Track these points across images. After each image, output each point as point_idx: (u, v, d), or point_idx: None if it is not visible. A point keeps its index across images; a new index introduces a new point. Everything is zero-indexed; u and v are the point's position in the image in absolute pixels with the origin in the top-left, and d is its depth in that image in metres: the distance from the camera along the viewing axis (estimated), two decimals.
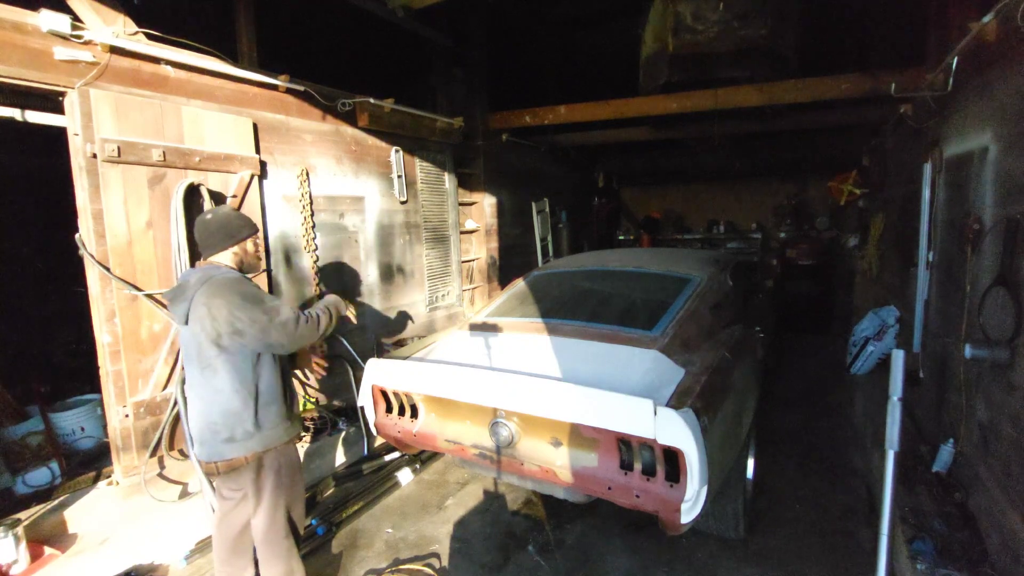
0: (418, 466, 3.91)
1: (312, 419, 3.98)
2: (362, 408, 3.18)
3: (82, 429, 3.77)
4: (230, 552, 2.35)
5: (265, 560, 2.30)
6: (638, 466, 2.27)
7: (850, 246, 7.06)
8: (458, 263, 6.02)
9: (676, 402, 2.21)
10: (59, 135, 2.97)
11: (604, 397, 2.20)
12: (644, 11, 5.13)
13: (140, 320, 3.12)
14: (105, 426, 3.37)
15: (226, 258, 2.28)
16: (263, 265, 2.42)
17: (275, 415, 2.24)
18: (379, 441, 4.04)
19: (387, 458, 3.91)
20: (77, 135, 2.90)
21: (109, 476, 3.22)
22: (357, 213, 4.67)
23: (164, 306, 3.22)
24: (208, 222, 2.26)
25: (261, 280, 3.75)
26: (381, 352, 4.76)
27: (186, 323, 2.13)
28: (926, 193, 3.51)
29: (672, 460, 2.17)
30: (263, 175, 3.81)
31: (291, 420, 2.34)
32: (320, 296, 4.24)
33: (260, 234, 2.40)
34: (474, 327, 3.33)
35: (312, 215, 4.19)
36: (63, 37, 2.81)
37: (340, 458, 3.93)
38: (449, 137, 5.61)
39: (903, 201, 4.56)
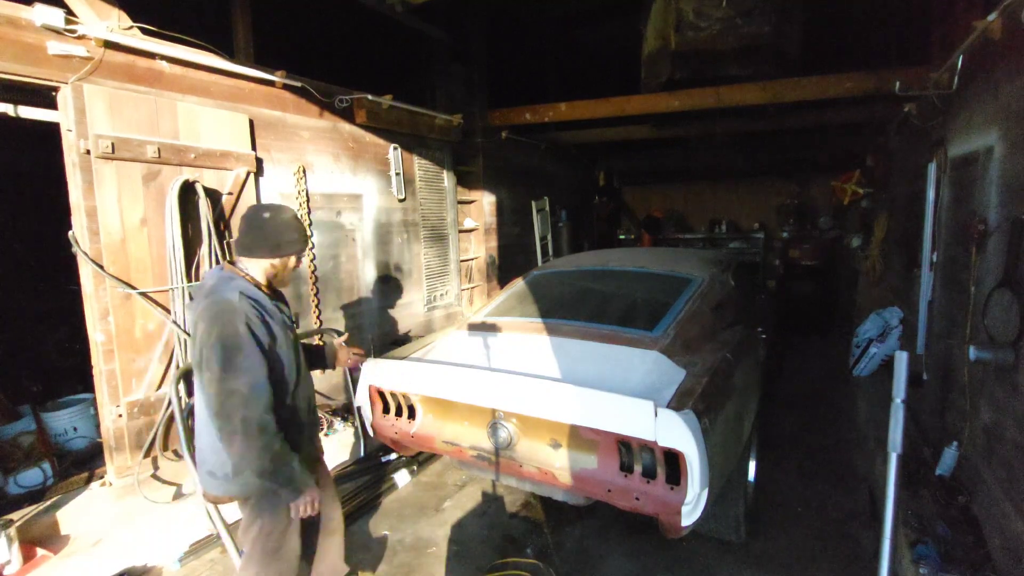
0: (415, 468, 3.87)
1: None
2: (359, 408, 3.15)
3: (75, 429, 3.74)
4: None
5: None
6: (638, 468, 2.24)
7: (853, 246, 7.02)
8: (457, 262, 5.98)
9: (677, 403, 2.18)
10: (52, 131, 2.93)
11: (604, 398, 2.17)
12: (646, 8, 5.08)
13: (134, 319, 3.09)
14: (98, 426, 3.35)
15: (256, 268, 1.97)
16: (288, 282, 2.15)
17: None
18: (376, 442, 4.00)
19: (384, 459, 3.88)
20: (70, 131, 2.87)
21: (102, 477, 3.19)
22: (355, 211, 4.63)
23: (159, 304, 3.19)
24: (263, 221, 1.95)
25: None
26: (379, 352, 4.72)
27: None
28: (930, 193, 3.48)
29: (673, 462, 2.14)
30: (259, 172, 3.78)
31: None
32: (320, 332, 4.08)
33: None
34: (473, 327, 3.29)
35: (309, 213, 4.16)
36: (57, 32, 2.78)
37: (336, 459, 3.89)
38: (448, 134, 5.57)
39: (907, 201, 4.53)
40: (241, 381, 1.76)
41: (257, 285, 1.97)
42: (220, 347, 1.76)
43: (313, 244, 4.20)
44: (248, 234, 1.96)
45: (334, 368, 2.50)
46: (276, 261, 1.99)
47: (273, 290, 2.08)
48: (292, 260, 2.05)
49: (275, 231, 1.97)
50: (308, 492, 1.93)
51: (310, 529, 2.26)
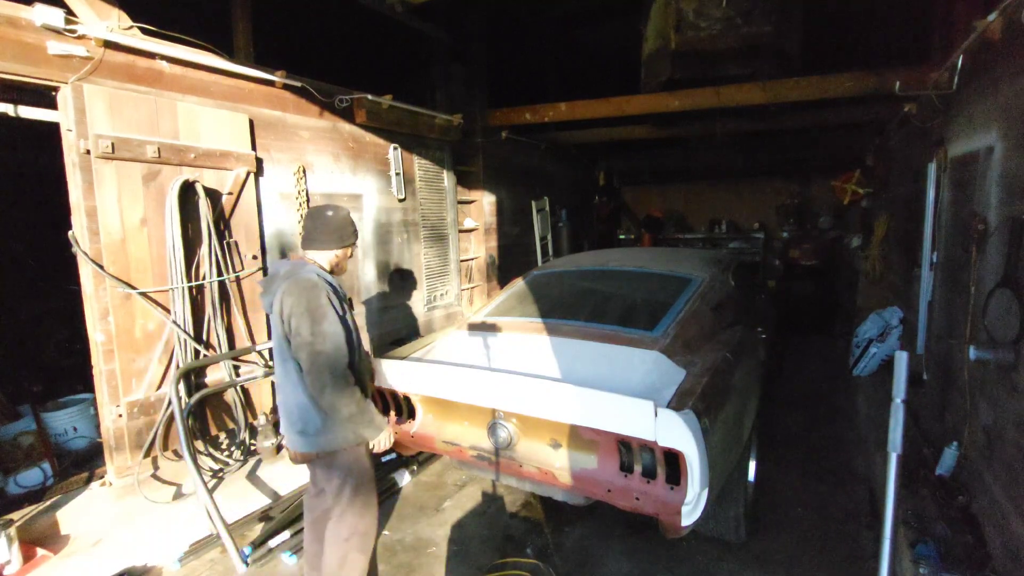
0: (415, 468, 3.87)
1: None
2: None
3: (75, 429, 3.75)
4: (310, 535, 2.41)
5: (325, 555, 2.31)
6: (638, 468, 2.24)
7: (853, 246, 7.02)
8: (457, 262, 5.98)
9: (677, 403, 2.18)
10: (52, 131, 2.93)
11: (604, 398, 2.17)
12: (646, 8, 5.08)
13: (134, 319, 3.09)
14: (98, 426, 3.35)
15: (324, 258, 2.30)
16: (345, 271, 2.47)
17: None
18: None
19: (384, 459, 3.88)
20: (70, 131, 2.87)
21: (102, 477, 3.20)
22: (355, 211, 4.63)
23: (159, 304, 3.19)
24: (328, 218, 2.29)
25: (256, 280, 3.71)
26: (379, 352, 4.72)
27: (271, 312, 2.22)
28: (931, 193, 3.47)
29: (673, 462, 2.14)
30: (259, 172, 3.78)
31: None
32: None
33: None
34: (473, 327, 3.29)
35: None
36: (57, 31, 2.78)
37: None
38: (448, 134, 5.57)
39: (907, 201, 4.52)
40: (327, 343, 2.08)
41: (324, 271, 2.29)
42: (309, 316, 2.07)
43: None
44: (316, 229, 2.28)
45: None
46: (339, 251, 2.33)
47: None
48: (350, 250, 2.40)
49: (340, 226, 2.31)
50: (386, 429, 2.28)
51: None
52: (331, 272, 2.33)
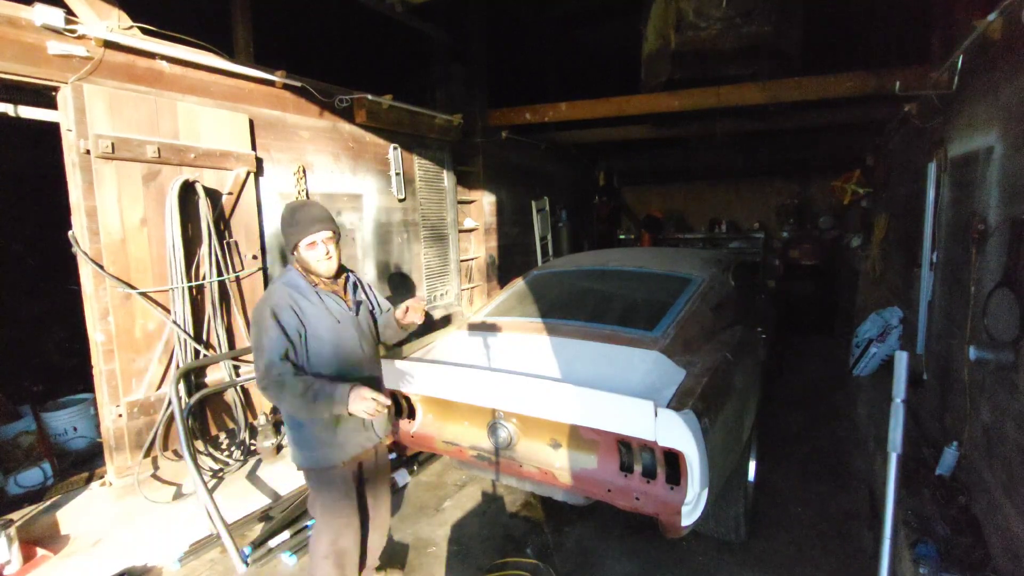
0: (415, 467, 3.87)
1: None
2: None
3: (75, 429, 3.75)
4: None
5: (310, 567, 2.30)
6: (638, 468, 2.24)
7: (853, 246, 7.02)
8: (457, 262, 5.98)
9: (677, 403, 2.18)
10: (52, 131, 2.93)
11: (604, 398, 2.17)
12: (646, 8, 5.08)
13: (134, 319, 3.09)
14: (98, 426, 3.35)
15: (294, 260, 2.20)
16: (328, 269, 2.18)
17: (310, 437, 2.17)
18: None
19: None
20: (70, 131, 2.87)
21: (102, 477, 3.20)
22: (355, 211, 4.63)
23: (159, 304, 3.19)
24: (281, 219, 2.22)
25: (256, 280, 3.71)
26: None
27: None
28: (930, 193, 3.47)
29: (673, 462, 2.14)
30: (259, 172, 3.78)
31: (334, 446, 2.20)
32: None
33: (329, 236, 2.15)
34: (473, 327, 3.30)
35: None
36: (57, 31, 2.78)
37: None
38: (448, 134, 5.57)
39: (907, 201, 4.52)
40: (263, 358, 2.03)
41: (306, 274, 2.17)
42: (254, 330, 2.09)
43: None
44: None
45: (403, 328, 2.43)
46: (295, 254, 2.16)
47: (337, 278, 2.26)
48: (303, 249, 2.12)
49: (281, 229, 2.19)
50: (354, 393, 1.95)
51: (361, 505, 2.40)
52: (310, 272, 2.16)
